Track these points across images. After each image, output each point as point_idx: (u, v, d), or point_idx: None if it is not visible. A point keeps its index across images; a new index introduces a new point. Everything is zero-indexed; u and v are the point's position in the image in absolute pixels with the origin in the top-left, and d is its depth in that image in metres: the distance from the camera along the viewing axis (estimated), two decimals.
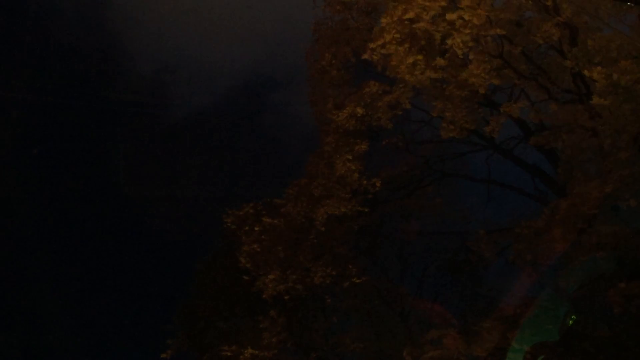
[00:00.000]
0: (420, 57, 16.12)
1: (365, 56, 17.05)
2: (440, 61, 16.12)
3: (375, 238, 20.06)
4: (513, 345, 13.58)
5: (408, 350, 16.02)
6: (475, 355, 14.53)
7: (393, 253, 20.31)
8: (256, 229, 17.83)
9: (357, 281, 17.24)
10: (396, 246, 20.26)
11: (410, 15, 15.64)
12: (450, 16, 15.26)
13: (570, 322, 13.63)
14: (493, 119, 17.05)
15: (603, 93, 13.75)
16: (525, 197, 18.79)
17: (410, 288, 19.83)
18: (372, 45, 16.37)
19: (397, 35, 15.97)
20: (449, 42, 15.56)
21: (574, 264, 13.58)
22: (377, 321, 19.08)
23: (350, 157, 18.42)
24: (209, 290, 19.33)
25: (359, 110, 18.25)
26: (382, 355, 18.36)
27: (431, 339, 15.71)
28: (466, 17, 15.19)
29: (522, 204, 18.88)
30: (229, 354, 16.89)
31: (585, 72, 14.30)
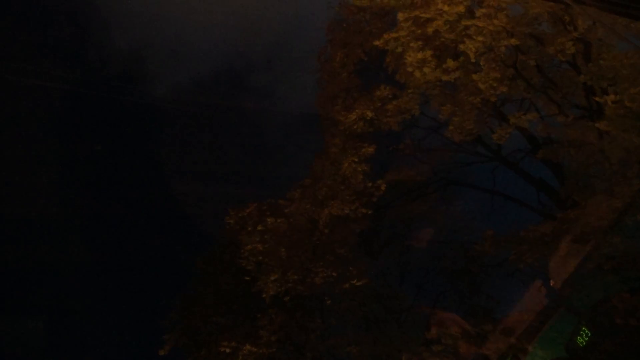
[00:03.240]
0: (429, 52, 16.25)
1: (377, 43, 17.07)
2: (450, 63, 16.21)
3: (376, 242, 20.07)
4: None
5: (407, 356, 15.98)
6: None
7: (393, 258, 20.30)
8: (259, 228, 17.83)
9: (358, 283, 17.23)
10: (397, 251, 20.26)
11: (427, 15, 15.78)
12: (466, 22, 15.39)
13: (582, 340, 13.59)
14: (501, 129, 17.11)
15: (613, 119, 13.86)
16: (528, 211, 18.84)
17: (408, 293, 19.83)
18: (386, 36, 16.44)
19: (412, 30, 16.13)
20: (462, 47, 15.67)
21: (586, 281, 13.63)
22: (374, 325, 19.02)
23: (356, 160, 18.51)
24: (208, 287, 19.29)
25: (369, 114, 18.33)
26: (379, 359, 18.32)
27: (431, 338, 15.63)
28: (480, 25, 15.33)
29: (525, 217, 18.92)
30: (227, 350, 16.82)
31: (597, 99, 14.46)
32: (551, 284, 14.93)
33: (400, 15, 16.62)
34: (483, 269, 18.48)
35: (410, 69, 16.63)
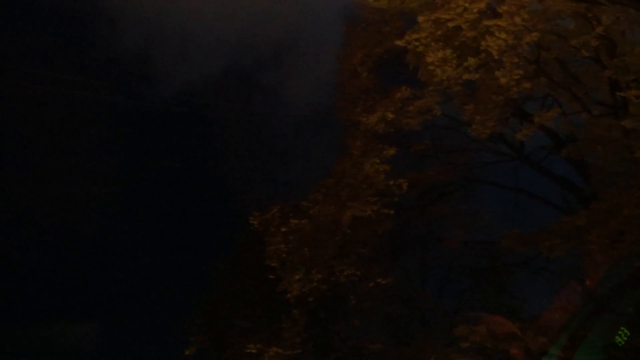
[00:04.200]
0: (450, 51, 16.21)
1: (398, 42, 17.04)
2: (472, 61, 16.15)
3: (399, 242, 20.02)
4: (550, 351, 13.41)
5: (435, 357, 15.93)
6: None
7: (415, 258, 20.28)
8: (283, 229, 17.91)
9: (383, 282, 17.25)
10: (419, 251, 20.22)
11: (447, 16, 15.74)
12: (488, 22, 15.32)
13: (621, 339, 13.40)
14: (524, 128, 16.99)
15: (636, 116, 13.71)
16: (552, 209, 18.66)
17: (431, 293, 19.79)
18: (407, 37, 16.43)
19: (433, 31, 16.10)
20: (483, 44, 15.60)
21: (623, 280, 13.45)
22: (397, 325, 19.02)
23: (378, 161, 18.52)
24: (231, 288, 19.41)
25: (390, 115, 18.30)
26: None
27: (459, 336, 15.51)
28: (502, 24, 15.26)
29: (549, 216, 18.74)
30: (253, 351, 16.92)
31: (622, 94, 14.29)
32: (587, 283, 14.74)
33: (421, 18, 16.61)
34: (507, 268, 18.37)
35: (431, 68, 16.57)
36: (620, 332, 13.43)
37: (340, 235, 17.96)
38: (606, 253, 13.75)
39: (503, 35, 15.19)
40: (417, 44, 16.69)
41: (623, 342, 13.27)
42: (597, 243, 13.59)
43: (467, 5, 14.74)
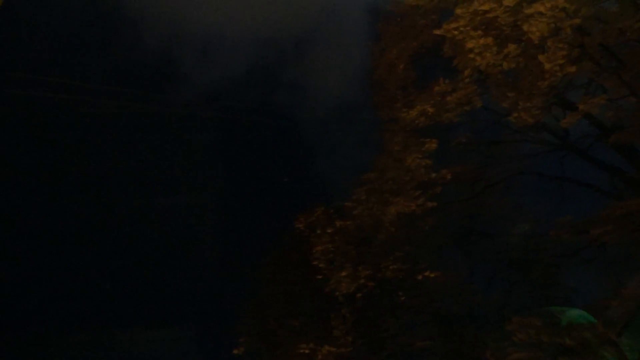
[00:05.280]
0: (490, 39, 16.04)
1: (437, 31, 16.94)
2: (512, 47, 15.93)
3: (443, 237, 19.86)
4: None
5: (491, 352, 15.74)
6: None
7: (461, 252, 20.05)
8: (329, 231, 18.00)
9: (430, 275, 17.15)
10: (464, 245, 20.00)
11: (485, 7, 15.58)
12: (528, 10, 15.11)
13: None
14: (569, 115, 16.67)
15: None
16: (600, 199, 18.24)
17: (478, 287, 19.52)
18: (446, 26, 16.31)
19: (471, 19, 15.97)
20: (525, 27, 15.36)
21: None
22: (446, 321, 18.84)
23: (420, 156, 18.46)
24: (277, 288, 19.52)
25: (430, 109, 18.19)
26: (452, 357, 18.10)
27: (512, 329, 15.25)
28: (543, 11, 15.04)
29: (597, 205, 18.30)
30: (306, 351, 16.99)
31: None
32: None
33: (458, 10, 16.48)
34: (557, 259, 18.04)
35: (471, 56, 16.40)
36: None
37: (384, 234, 17.93)
38: None
39: (544, 20, 14.99)
40: (455, 32, 16.56)
41: None
42: None
43: None
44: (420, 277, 17.30)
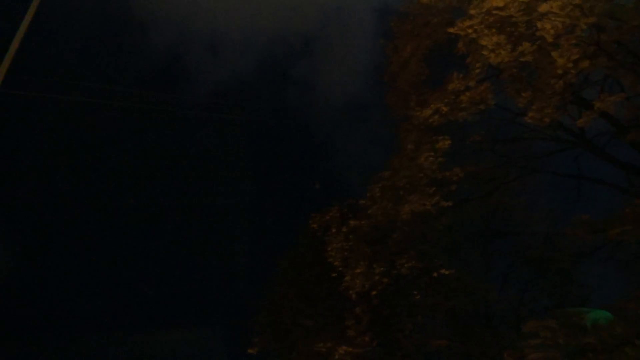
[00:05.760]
0: (504, 37, 15.96)
1: (451, 30, 16.88)
2: (527, 45, 15.83)
3: (458, 236, 19.78)
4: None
5: (509, 352, 15.65)
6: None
7: (476, 250, 19.96)
8: (344, 230, 17.96)
9: (445, 272, 17.08)
10: (479, 244, 19.91)
11: (499, 4, 15.50)
12: (543, 8, 15.01)
13: None
14: (585, 114, 16.51)
15: None
16: (616, 198, 18.04)
17: (494, 285, 19.43)
18: (460, 24, 16.25)
19: (486, 18, 15.92)
20: (539, 25, 15.27)
21: None
22: (462, 320, 18.76)
23: (432, 154, 18.37)
24: (291, 287, 19.52)
25: (444, 108, 18.11)
26: (468, 356, 18.01)
27: (529, 331, 15.14)
28: (556, 10, 14.93)
29: (613, 204, 18.11)
30: (323, 350, 16.97)
31: None
32: None
33: (472, 11, 16.43)
34: (573, 257, 17.90)
35: (485, 53, 16.32)
36: None
37: (399, 233, 17.88)
38: None
39: (558, 19, 14.88)
40: (469, 30, 16.49)
41: None
42: None
43: None
44: (435, 274, 17.19)
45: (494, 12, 15.93)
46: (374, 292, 17.17)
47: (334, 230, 18.29)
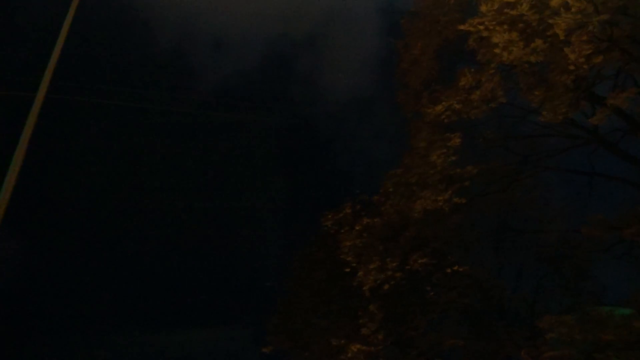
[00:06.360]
0: (516, 34, 15.90)
1: (462, 27, 16.84)
2: (539, 42, 15.77)
3: (471, 233, 19.74)
4: None
5: (526, 350, 15.60)
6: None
7: (489, 247, 19.92)
8: (357, 228, 17.96)
9: (460, 269, 17.07)
10: (493, 241, 19.86)
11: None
12: (555, 2, 14.95)
13: None
14: (598, 111, 16.43)
15: None
16: (631, 194, 17.91)
17: (507, 282, 19.44)
18: (471, 21, 16.21)
19: (497, 16, 15.87)
20: (551, 21, 15.22)
21: None
22: (476, 318, 18.71)
23: (444, 151, 18.36)
24: (306, 286, 19.53)
25: (456, 106, 18.08)
26: (483, 354, 17.97)
27: (544, 327, 15.07)
28: (570, 1, 14.88)
29: (628, 199, 17.98)
30: (336, 348, 16.97)
31: None
32: None
33: (484, 8, 16.36)
34: (588, 254, 17.82)
35: (497, 51, 16.27)
36: None
37: (412, 231, 17.87)
38: None
39: (570, 16, 14.82)
40: (480, 27, 16.44)
41: None
42: None
43: None
44: (448, 270, 17.17)
45: (505, 10, 15.89)
46: (386, 287, 17.13)
47: (347, 228, 18.26)
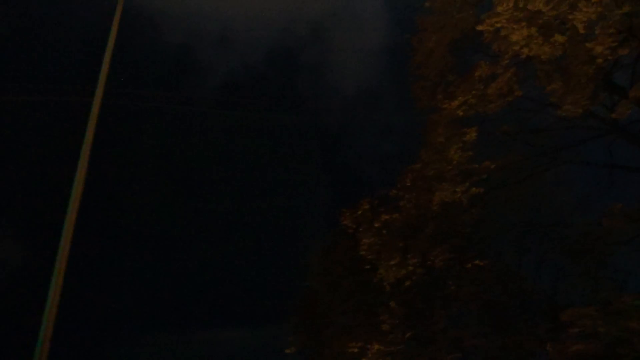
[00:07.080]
0: (534, 29, 15.80)
1: (479, 27, 16.78)
2: (558, 37, 15.66)
3: (490, 227, 19.66)
4: None
5: (552, 344, 15.51)
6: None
7: (509, 241, 19.82)
8: (376, 225, 17.93)
9: (480, 264, 17.01)
10: (512, 235, 19.75)
11: None
12: None
13: None
14: (619, 105, 16.28)
15: None
16: None
17: (528, 274, 19.28)
18: (488, 21, 16.13)
19: (513, 14, 15.78)
20: (570, 17, 15.12)
21: None
22: (498, 313, 18.60)
23: (461, 145, 18.32)
24: (324, 284, 19.52)
25: (472, 100, 18.01)
26: (506, 350, 17.83)
27: (567, 320, 14.97)
28: None
29: None
30: (355, 350, 16.93)
31: None
32: None
33: (500, 8, 16.26)
34: (608, 247, 17.67)
35: (516, 48, 16.19)
36: None
37: (432, 226, 17.83)
38: None
39: (591, 9, 14.72)
40: (498, 25, 16.36)
41: None
42: None
43: None
44: (469, 265, 17.11)
45: (521, 6, 15.78)
46: (407, 282, 17.11)
47: (365, 225, 18.22)
